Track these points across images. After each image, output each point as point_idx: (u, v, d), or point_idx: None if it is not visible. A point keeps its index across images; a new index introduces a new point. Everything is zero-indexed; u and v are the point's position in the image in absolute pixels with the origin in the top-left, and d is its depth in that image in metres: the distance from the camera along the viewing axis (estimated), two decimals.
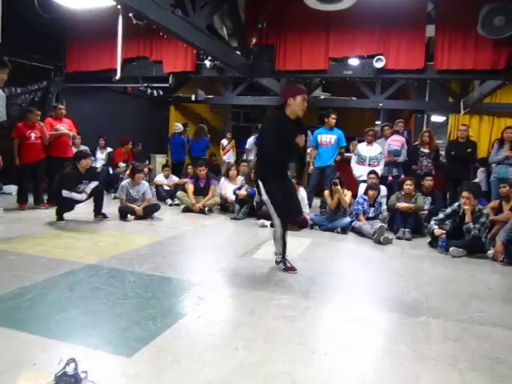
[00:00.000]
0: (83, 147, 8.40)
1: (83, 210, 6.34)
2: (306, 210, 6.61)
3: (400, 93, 11.09)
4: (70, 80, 9.13)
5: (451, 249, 5.23)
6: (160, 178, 8.77)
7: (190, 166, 8.93)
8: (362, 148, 7.54)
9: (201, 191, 7.52)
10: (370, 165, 7.26)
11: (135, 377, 2.15)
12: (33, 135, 6.81)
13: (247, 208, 6.98)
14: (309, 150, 7.89)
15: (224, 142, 11.54)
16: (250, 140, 10.06)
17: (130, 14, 6.62)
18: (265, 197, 4.00)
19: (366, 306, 3.40)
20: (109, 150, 9.77)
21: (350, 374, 2.31)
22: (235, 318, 3.03)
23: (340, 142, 7.54)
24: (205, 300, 3.28)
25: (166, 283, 3.63)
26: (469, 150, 7.33)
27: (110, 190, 8.95)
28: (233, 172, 7.67)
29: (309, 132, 7.85)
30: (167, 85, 9.43)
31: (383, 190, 6.87)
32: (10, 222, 5.67)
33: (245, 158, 9.85)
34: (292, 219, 4.21)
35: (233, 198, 7.22)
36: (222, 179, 7.78)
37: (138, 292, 3.34)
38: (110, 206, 6.86)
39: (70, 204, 6.01)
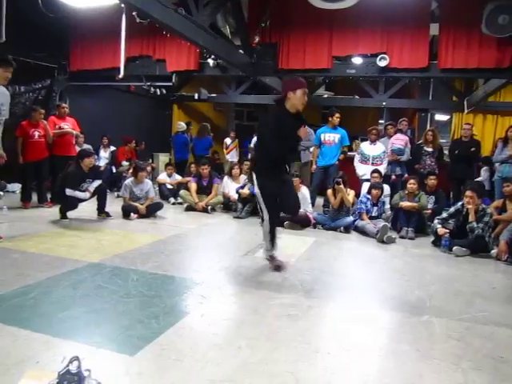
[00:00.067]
0: (86, 146, 8.41)
1: (86, 208, 6.35)
2: (308, 208, 6.61)
3: (403, 91, 11.07)
4: (73, 78, 9.15)
5: (455, 248, 5.21)
6: (163, 177, 8.77)
7: (193, 165, 8.93)
8: (366, 147, 7.52)
9: (204, 190, 7.53)
10: (373, 164, 7.25)
11: (138, 375, 2.16)
12: (36, 134, 6.83)
13: (250, 207, 6.97)
14: (312, 149, 7.91)
15: (227, 140, 11.55)
16: (255, 139, 10.05)
17: (134, 13, 6.63)
18: (256, 190, 4.01)
19: (369, 305, 3.40)
20: (112, 148, 9.80)
21: (353, 373, 2.31)
22: (238, 317, 3.03)
23: (343, 140, 7.53)
24: (208, 299, 3.28)
25: (169, 282, 3.64)
26: (472, 149, 7.31)
27: (113, 189, 8.97)
28: (236, 171, 7.67)
29: (311, 131, 7.90)
30: (170, 83, 9.42)
31: (386, 189, 6.86)
32: (13, 221, 5.69)
33: (249, 156, 9.84)
34: (287, 215, 4.18)
35: (236, 196, 7.22)
36: (225, 178, 7.78)
37: (141, 290, 3.34)
38: (113, 205, 6.88)
39: (74, 202, 6.02)
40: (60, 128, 7.17)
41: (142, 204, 6.61)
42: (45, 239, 4.84)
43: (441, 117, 13.00)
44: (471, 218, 5.26)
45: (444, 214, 5.71)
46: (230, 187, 7.53)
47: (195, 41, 6.02)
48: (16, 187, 7.80)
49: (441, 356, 2.53)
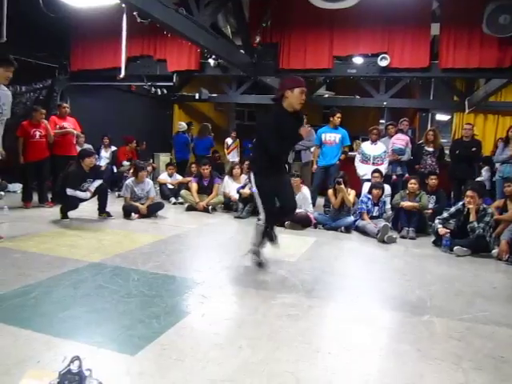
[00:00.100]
0: (87, 145, 8.41)
1: (87, 208, 6.36)
2: (309, 208, 6.61)
3: (404, 91, 11.06)
4: (74, 78, 9.16)
5: (455, 248, 5.21)
6: (164, 177, 8.78)
7: (193, 165, 8.93)
8: (366, 147, 7.52)
9: (204, 190, 7.53)
10: (374, 164, 7.25)
11: (139, 375, 2.16)
12: (37, 133, 6.84)
13: (251, 207, 6.96)
14: (312, 149, 7.90)
15: (229, 140, 11.54)
16: None
17: (135, 13, 6.63)
18: (254, 189, 3.98)
19: (370, 305, 3.40)
20: (113, 148, 9.80)
21: (353, 373, 2.31)
22: (239, 317, 3.03)
23: (344, 140, 7.53)
24: (208, 298, 3.28)
25: (170, 282, 3.64)
26: (473, 149, 7.30)
27: (114, 189, 8.97)
28: (236, 171, 7.67)
29: (312, 130, 7.90)
30: (171, 83, 9.42)
31: (387, 188, 6.85)
32: (14, 220, 5.70)
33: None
34: (283, 215, 4.16)
35: (236, 196, 7.22)
36: (226, 178, 7.78)
37: (142, 290, 3.35)
38: (114, 205, 6.88)
39: (75, 202, 6.02)
40: (61, 128, 7.18)
41: (142, 204, 6.61)
42: (46, 239, 4.85)
43: (442, 117, 13.01)
44: (472, 217, 5.26)
45: (445, 214, 5.71)
46: (230, 187, 7.53)
47: (196, 41, 6.02)
48: (17, 187, 7.80)
49: (441, 356, 2.53)
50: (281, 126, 3.77)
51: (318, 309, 3.22)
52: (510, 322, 3.13)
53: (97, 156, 8.16)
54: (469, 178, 6.89)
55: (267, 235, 4.13)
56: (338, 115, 7.47)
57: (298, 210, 6.47)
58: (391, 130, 7.97)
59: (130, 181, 6.82)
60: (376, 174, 6.77)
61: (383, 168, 7.16)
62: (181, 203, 7.91)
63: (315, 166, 7.70)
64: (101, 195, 6.29)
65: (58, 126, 7.16)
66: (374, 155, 7.32)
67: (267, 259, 4.23)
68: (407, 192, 6.37)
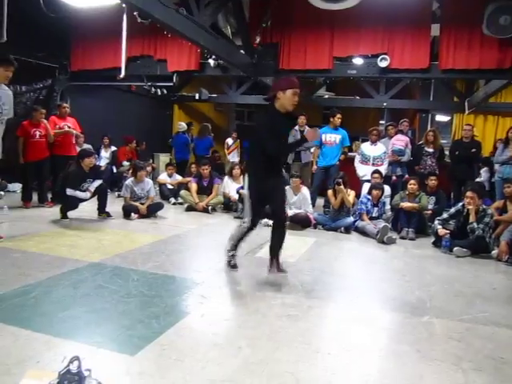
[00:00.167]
0: (86, 145, 8.41)
1: (87, 208, 6.36)
2: (309, 209, 6.61)
3: (404, 92, 11.07)
4: (74, 78, 9.16)
5: (455, 249, 5.21)
6: (163, 177, 8.78)
7: (193, 165, 8.94)
8: (366, 147, 7.52)
9: (204, 190, 7.54)
10: (373, 164, 7.25)
11: (139, 375, 2.16)
12: (37, 133, 6.84)
13: None
14: (312, 150, 7.91)
15: (229, 141, 11.54)
16: None
17: (135, 13, 6.64)
18: (245, 190, 3.92)
19: (370, 305, 3.40)
20: (113, 148, 9.79)
21: (353, 374, 2.31)
22: (238, 317, 3.03)
23: (344, 141, 7.53)
24: (208, 299, 3.28)
25: (170, 282, 3.64)
26: (473, 150, 7.30)
27: (114, 189, 8.97)
28: (236, 171, 7.66)
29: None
30: (171, 83, 9.42)
31: (387, 189, 6.85)
32: (14, 220, 5.69)
33: None
34: (275, 219, 3.95)
35: (236, 196, 7.22)
36: (226, 178, 7.78)
37: (142, 290, 3.34)
38: (114, 205, 6.88)
39: (74, 202, 6.02)
40: (60, 128, 7.18)
41: (143, 204, 6.61)
42: (45, 239, 4.84)
43: (441, 117, 13.02)
44: (472, 218, 5.26)
45: (444, 215, 5.71)
46: (230, 187, 7.53)
47: (196, 41, 6.03)
48: (17, 187, 7.80)
49: (441, 357, 2.53)
50: (274, 126, 3.68)
51: (318, 309, 3.22)
52: (509, 323, 3.13)
53: (96, 156, 8.16)
54: (468, 179, 6.89)
55: (231, 264, 4.04)
56: (339, 116, 7.47)
57: (297, 211, 6.51)
58: (391, 130, 7.97)
59: (129, 181, 6.82)
60: (376, 175, 6.77)
61: (383, 169, 7.16)
62: (180, 203, 7.91)
63: (315, 167, 7.70)
64: (100, 195, 6.29)
65: (57, 126, 7.16)
66: (374, 156, 7.33)
67: (267, 259, 4.23)
68: (407, 193, 6.37)
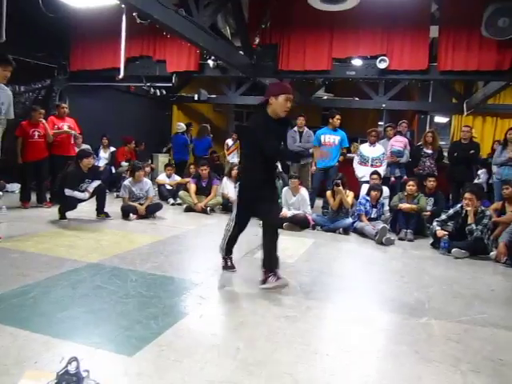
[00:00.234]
0: (85, 146, 8.40)
1: (86, 208, 6.35)
2: (307, 210, 6.62)
3: (403, 93, 11.09)
4: (73, 79, 9.15)
5: (453, 250, 5.22)
6: (162, 178, 8.77)
7: (192, 166, 8.94)
8: (365, 149, 7.52)
9: (203, 191, 7.53)
10: (372, 165, 7.25)
11: (137, 375, 2.16)
12: (36, 134, 6.84)
13: None
14: (311, 151, 7.91)
15: (229, 141, 11.52)
16: None
17: (134, 14, 6.64)
18: (235, 197, 3.83)
19: (368, 306, 3.40)
20: (112, 149, 9.78)
21: (352, 375, 2.31)
22: (237, 318, 3.03)
23: (343, 142, 7.53)
24: (206, 299, 3.28)
25: (168, 282, 3.64)
26: (472, 152, 7.31)
27: (113, 189, 8.96)
28: (235, 172, 7.65)
29: (311, 132, 7.91)
30: (170, 84, 9.44)
31: (385, 190, 6.86)
32: (12, 221, 5.68)
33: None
34: (264, 225, 3.70)
35: (235, 197, 7.20)
36: (225, 179, 7.78)
37: (140, 291, 3.34)
38: (113, 205, 6.88)
39: (73, 203, 6.02)
40: (59, 128, 7.17)
41: (141, 204, 6.61)
42: (44, 239, 4.84)
43: (440, 119, 13.04)
44: (470, 220, 5.27)
45: (443, 216, 5.72)
46: (229, 188, 7.52)
47: (195, 42, 6.03)
48: (15, 187, 7.79)
49: (440, 358, 2.53)
50: (268, 130, 3.58)
51: (317, 310, 3.22)
52: (508, 325, 3.13)
53: (95, 156, 8.15)
54: (467, 181, 6.89)
55: (227, 267, 4.01)
56: (338, 117, 7.47)
57: (296, 212, 6.52)
58: (390, 131, 7.97)
59: (127, 181, 6.81)
60: (374, 176, 6.77)
61: (382, 170, 7.16)
62: (179, 204, 7.91)
63: (314, 168, 7.69)
64: (99, 196, 6.28)
65: (56, 127, 7.16)
66: (373, 157, 7.33)
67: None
68: (405, 194, 6.37)
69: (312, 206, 7.05)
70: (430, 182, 6.71)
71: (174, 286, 3.60)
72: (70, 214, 6.02)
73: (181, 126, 10.86)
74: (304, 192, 6.70)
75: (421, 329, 2.96)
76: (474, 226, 5.23)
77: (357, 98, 11.58)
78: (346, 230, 6.27)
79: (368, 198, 6.41)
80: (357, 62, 7.89)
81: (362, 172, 7.35)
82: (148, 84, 9.78)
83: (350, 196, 6.42)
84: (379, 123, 12.57)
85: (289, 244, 5.31)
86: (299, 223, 6.38)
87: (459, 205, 5.57)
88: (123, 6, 5.93)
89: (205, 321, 2.90)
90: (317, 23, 7.23)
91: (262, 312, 3.09)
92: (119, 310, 2.95)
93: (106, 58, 8.46)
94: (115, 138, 9.75)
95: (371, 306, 3.42)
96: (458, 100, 10.21)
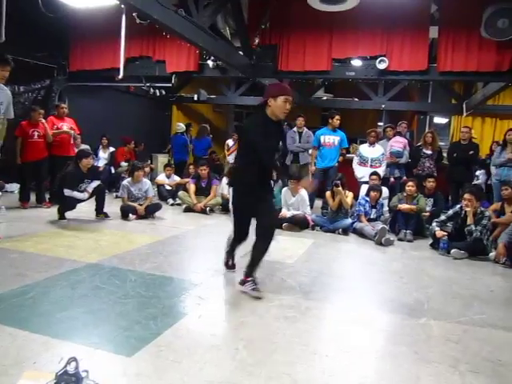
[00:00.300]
0: (84, 146, 8.40)
1: (85, 209, 6.34)
2: (307, 210, 6.62)
3: (403, 94, 11.09)
4: (72, 79, 9.14)
5: (453, 251, 5.22)
6: (162, 178, 8.77)
7: (191, 166, 8.93)
8: (364, 149, 7.52)
9: (202, 191, 7.53)
10: (371, 166, 7.24)
11: (136, 376, 2.16)
12: (36, 134, 6.83)
13: None
14: (310, 151, 7.91)
15: (230, 142, 11.51)
16: None
17: (134, 14, 6.64)
18: (230, 205, 3.68)
19: (368, 307, 3.40)
20: (111, 149, 9.77)
21: (351, 375, 2.31)
22: (236, 318, 3.03)
23: (342, 143, 7.53)
24: (206, 300, 3.28)
25: (167, 283, 3.64)
26: (471, 152, 7.31)
27: (112, 190, 8.95)
28: None
29: (310, 132, 7.92)
30: (170, 84, 9.45)
31: (385, 191, 6.86)
32: (12, 221, 5.67)
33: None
34: (259, 229, 3.54)
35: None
36: (224, 179, 7.78)
37: (139, 291, 3.34)
38: (112, 206, 6.87)
39: (72, 203, 6.02)
40: (58, 128, 7.17)
41: (140, 204, 6.60)
42: (43, 239, 4.84)
43: (440, 119, 13.05)
44: (469, 220, 5.27)
45: (442, 217, 5.72)
46: (229, 188, 7.52)
47: (195, 42, 6.02)
48: (14, 187, 7.78)
49: (439, 358, 2.54)
50: (266, 132, 3.46)
51: (316, 311, 3.22)
52: (507, 325, 3.14)
53: (94, 157, 8.14)
54: (466, 181, 6.91)
55: (228, 265, 3.98)
56: (337, 117, 7.46)
57: (295, 212, 6.52)
58: (389, 132, 7.97)
59: (126, 181, 6.80)
60: (374, 177, 6.77)
61: (381, 170, 7.16)
62: (178, 204, 7.91)
63: (313, 168, 7.69)
64: (98, 196, 6.28)
65: (55, 127, 7.16)
66: (372, 158, 7.33)
67: (265, 260, 4.23)
68: (405, 194, 6.37)
69: (311, 207, 7.05)
70: (430, 183, 6.71)
71: (173, 286, 3.60)
72: (69, 214, 6.02)
73: (180, 126, 10.85)
74: (303, 192, 6.69)
75: (420, 329, 2.97)
76: (473, 227, 5.23)
77: (356, 99, 11.58)
78: (346, 231, 6.27)
79: (367, 198, 6.41)
80: (356, 63, 7.88)
81: (361, 172, 7.36)
82: (148, 84, 9.78)
83: (349, 196, 6.42)
84: (379, 124, 12.56)
85: (288, 244, 5.32)
86: (299, 223, 6.39)
87: (458, 205, 5.57)
88: (123, 6, 5.92)
89: (204, 321, 2.90)
90: (316, 24, 7.23)
91: (261, 312, 3.09)
92: (118, 310, 2.96)
93: (106, 58, 8.45)
94: (115, 138, 9.75)
95: (370, 306, 3.43)
96: (457, 101, 10.21)
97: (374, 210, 6.39)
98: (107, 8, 6.79)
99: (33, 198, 6.98)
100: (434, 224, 5.64)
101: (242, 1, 7.36)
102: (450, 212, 5.64)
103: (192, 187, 7.49)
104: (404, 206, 6.21)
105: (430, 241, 5.71)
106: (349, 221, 6.34)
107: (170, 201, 8.17)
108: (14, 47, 6.60)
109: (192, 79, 11.16)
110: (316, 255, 5.03)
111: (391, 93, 10.62)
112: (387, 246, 5.64)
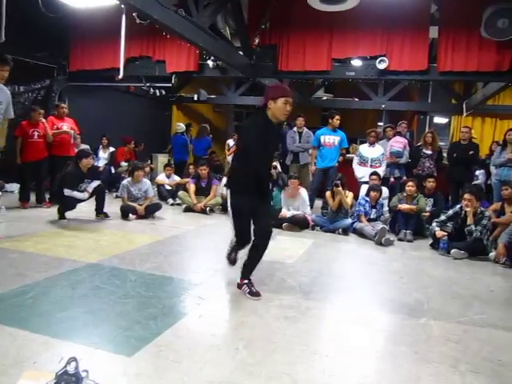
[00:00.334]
0: (84, 146, 8.39)
1: (85, 208, 6.34)
2: (307, 210, 6.62)
3: (403, 94, 11.09)
4: (72, 79, 9.14)
5: (453, 251, 5.22)
6: (162, 178, 8.77)
7: (191, 166, 8.93)
8: (364, 149, 7.52)
9: (202, 191, 7.53)
10: (371, 166, 7.24)
11: (136, 376, 2.16)
12: (36, 134, 6.83)
13: None
14: (310, 151, 7.91)
15: (230, 142, 11.50)
16: None
17: (134, 14, 6.63)
18: (228, 208, 3.60)
19: (368, 307, 3.40)
20: (111, 149, 9.77)
21: (351, 375, 2.31)
22: (236, 318, 3.03)
23: (342, 143, 7.53)
24: (206, 300, 3.28)
25: (167, 283, 3.64)
26: (471, 152, 7.31)
27: (112, 190, 8.95)
28: None
29: (310, 132, 7.92)
30: (170, 84, 9.44)
31: (385, 191, 6.86)
32: (12, 221, 5.67)
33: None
34: (257, 236, 3.49)
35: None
36: (224, 179, 7.77)
37: (139, 291, 3.34)
38: (112, 205, 6.87)
39: (72, 203, 6.02)
40: (58, 128, 7.17)
41: (140, 204, 6.60)
42: (43, 239, 4.84)
43: (440, 119, 13.04)
44: (469, 220, 5.28)
45: (442, 217, 5.72)
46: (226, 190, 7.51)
47: (195, 42, 6.02)
48: (14, 187, 7.78)
49: (439, 359, 2.54)
50: (266, 134, 3.38)
51: (316, 311, 3.22)
52: (507, 325, 3.14)
53: (94, 157, 8.14)
54: (466, 181, 6.91)
55: (230, 259, 3.82)
56: (337, 117, 7.46)
57: (295, 212, 6.51)
58: (389, 132, 7.97)
59: (125, 181, 6.81)
60: (374, 177, 6.77)
61: (381, 170, 7.15)
62: (178, 204, 7.91)
63: (313, 168, 7.69)
64: (98, 196, 6.28)
65: (55, 127, 7.16)
66: (372, 158, 7.32)
67: (265, 260, 4.22)
68: (405, 194, 6.37)
69: (311, 207, 7.05)
70: (430, 183, 6.72)
71: (173, 286, 3.60)
72: (69, 214, 6.02)
73: (180, 126, 10.85)
74: (303, 192, 6.70)
75: (420, 329, 2.97)
76: (473, 227, 5.23)
77: (356, 99, 11.58)
78: (346, 231, 6.27)
79: (367, 198, 6.41)
80: (356, 63, 7.88)
81: (361, 172, 7.35)
82: (148, 84, 9.78)
83: (349, 196, 6.42)
84: (379, 124, 12.56)
85: (288, 244, 5.32)
86: (299, 223, 6.39)
87: (458, 205, 5.57)
88: (123, 6, 5.92)
89: (204, 321, 2.90)
90: (316, 24, 7.22)
91: (261, 312, 3.09)
92: (118, 310, 2.96)
93: (106, 58, 8.45)
94: (115, 138, 9.74)
95: (370, 306, 3.42)
96: (457, 101, 10.21)
97: (373, 210, 6.39)
98: (107, 8, 6.79)
99: (33, 198, 6.98)
100: (433, 224, 5.64)
101: (242, 1, 7.36)
102: (450, 212, 5.64)
103: (192, 187, 7.49)
104: (404, 206, 6.21)
105: (430, 241, 5.71)
106: (349, 221, 6.34)
107: (170, 201, 8.17)
108: (14, 47, 6.60)
109: (192, 79, 11.16)
110: (316, 255, 5.03)
111: (391, 93, 10.62)
112: (387, 246, 5.64)
